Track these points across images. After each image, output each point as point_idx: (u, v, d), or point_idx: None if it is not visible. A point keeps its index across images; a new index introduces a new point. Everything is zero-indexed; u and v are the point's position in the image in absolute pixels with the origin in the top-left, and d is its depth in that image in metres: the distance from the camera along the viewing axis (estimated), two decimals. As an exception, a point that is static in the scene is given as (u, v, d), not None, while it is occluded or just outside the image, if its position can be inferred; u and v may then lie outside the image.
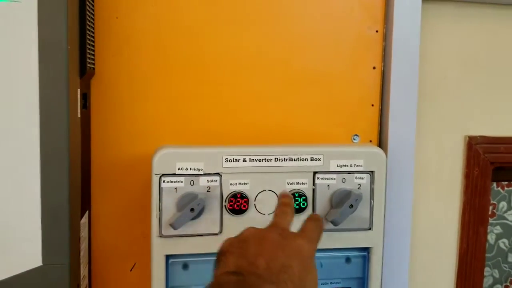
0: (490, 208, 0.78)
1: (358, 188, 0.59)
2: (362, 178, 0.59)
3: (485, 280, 0.80)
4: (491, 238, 0.79)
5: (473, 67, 0.71)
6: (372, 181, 0.59)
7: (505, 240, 0.80)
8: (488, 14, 0.70)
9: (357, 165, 0.59)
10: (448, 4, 0.69)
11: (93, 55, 0.59)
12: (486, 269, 0.79)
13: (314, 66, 0.65)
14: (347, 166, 0.59)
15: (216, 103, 0.64)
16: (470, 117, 0.72)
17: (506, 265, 0.80)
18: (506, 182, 0.79)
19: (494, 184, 0.78)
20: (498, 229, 0.79)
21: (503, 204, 0.79)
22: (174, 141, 0.62)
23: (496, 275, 0.80)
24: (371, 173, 0.59)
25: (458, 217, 0.73)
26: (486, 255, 0.79)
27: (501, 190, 0.79)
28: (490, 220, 0.78)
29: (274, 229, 0.44)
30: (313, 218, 0.47)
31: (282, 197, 0.50)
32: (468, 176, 0.72)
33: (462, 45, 0.70)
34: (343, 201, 0.57)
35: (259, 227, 0.58)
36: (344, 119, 0.66)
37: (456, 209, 0.73)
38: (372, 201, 0.59)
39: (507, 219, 0.79)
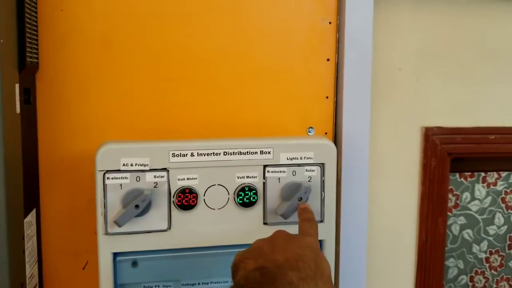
0: (454, 199, 0.78)
1: (309, 181, 0.58)
2: (313, 171, 0.58)
3: (450, 271, 0.80)
4: (455, 229, 0.79)
5: (428, 57, 0.71)
6: (322, 173, 0.59)
7: (469, 231, 0.80)
8: (443, 4, 0.70)
9: (307, 158, 0.58)
10: (402, -6, 0.69)
11: (36, 48, 0.58)
12: (451, 260, 0.80)
13: (268, 59, 0.65)
14: (297, 158, 0.58)
15: (163, 98, 0.62)
16: (426, 108, 0.71)
17: (470, 256, 0.81)
18: (469, 173, 0.79)
19: (457, 175, 0.78)
20: (462, 220, 0.79)
21: (466, 195, 0.79)
22: (122, 137, 0.61)
23: (461, 265, 0.81)
24: (322, 165, 0.59)
25: (416, 208, 0.73)
26: (451, 246, 0.79)
27: (464, 181, 0.79)
28: (454, 211, 0.79)
29: (281, 233, 0.48)
30: (306, 219, 0.52)
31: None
32: (426, 167, 0.72)
33: (417, 36, 0.70)
34: (293, 194, 0.57)
35: (212, 223, 0.58)
36: (298, 112, 0.66)
37: (414, 200, 0.73)
38: (323, 193, 0.59)
39: (470, 210, 0.80)
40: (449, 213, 0.78)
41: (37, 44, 0.58)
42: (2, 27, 0.47)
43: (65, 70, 0.60)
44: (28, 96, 0.57)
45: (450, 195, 0.77)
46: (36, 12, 0.58)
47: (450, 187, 0.77)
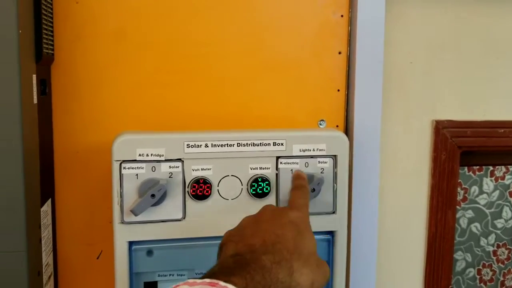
0: (462, 192, 0.79)
1: (321, 172, 0.59)
2: (325, 162, 0.59)
3: (457, 264, 0.81)
4: (463, 222, 0.80)
5: (439, 51, 0.71)
6: (335, 165, 0.59)
7: (477, 224, 0.81)
8: (455, -2, 0.71)
9: (320, 149, 0.59)
10: (414, -12, 0.69)
11: (52, 40, 0.58)
12: (459, 253, 0.80)
13: (280, 52, 0.65)
14: (310, 150, 0.59)
15: (180, 90, 0.63)
16: (437, 102, 0.72)
17: (478, 249, 0.81)
18: (477, 167, 0.79)
19: (466, 169, 0.78)
20: (470, 213, 0.80)
21: (474, 189, 0.79)
22: (138, 128, 0.62)
23: (469, 259, 0.81)
24: (334, 157, 0.60)
25: (426, 201, 0.73)
26: (459, 239, 0.80)
27: (473, 175, 0.79)
28: (462, 205, 0.79)
29: (267, 209, 0.48)
30: (297, 187, 0.53)
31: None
32: (436, 160, 0.72)
33: (428, 30, 0.70)
34: (306, 185, 0.57)
35: (225, 213, 0.58)
36: (310, 105, 0.66)
37: (424, 193, 0.73)
38: (335, 185, 0.60)
39: (478, 203, 0.80)
40: (457, 207, 0.78)
41: (52, 36, 0.59)
42: (20, 18, 0.47)
43: (80, 62, 0.61)
44: (44, 87, 0.57)
45: (458, 189, 0.78)
46: (51, 4, 0.58)
47: (458, 181, 0.77)
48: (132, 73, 0.62)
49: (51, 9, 0.58)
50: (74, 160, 0.62)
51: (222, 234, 0.58)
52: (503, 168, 0.80)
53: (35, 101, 0.53)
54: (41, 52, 0.54)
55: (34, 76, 0.52)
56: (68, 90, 0.61)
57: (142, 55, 0.62)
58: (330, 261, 0.61)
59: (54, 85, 0.60)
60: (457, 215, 0.79)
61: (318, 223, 0.60)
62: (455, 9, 0.71)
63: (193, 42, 0.63)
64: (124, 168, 0.55)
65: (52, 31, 0.58)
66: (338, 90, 0.67)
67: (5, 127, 0.47)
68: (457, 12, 0.71)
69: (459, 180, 0.77)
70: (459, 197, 0.78)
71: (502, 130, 0.74)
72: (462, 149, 0.73)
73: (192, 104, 0.63)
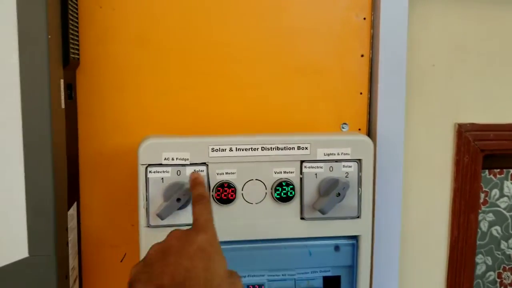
0: (483, 195, 0.78)
1: (346, 177, 0.59)
2: (350, 167, 0.59)
3: (478, 267, 0.80)
4: (483, 225, 0.79)
5: (462, 54, 0.70)
6: (359, 169, 0.59)
7: (498, 228, 0.80)
8: (477, 0, 0.70)
9: (344, 154, 0.58)
10: (437, -10, 0.69)
11: (77, 45, 0.59)
12: (479, 256, 0.80)
13: (302, 55, 0.65)
14: (334, 154, 0.58)
15: (203, 94, 0.63)
16: (460, 105, 0.71)
17: (498, 252, 0.81)
18: (498, 170, 0.78)
19: (487, 172, 0.78)
20: (490, 217, 0.79)
21: (495, 192, 0.79)
22: (162, 132, 0.62)
23: (489, 262, 0.81)
24: (359, 161, 0.59)
25: (448, 204, 0.73)
26: (479, 242, 0.79)
27: (494, 178, 0.78)
28: (483, 208, 0.78)
29: (174, 236, 0.45)
30: (197, 199, 0.48)
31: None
32: (459, 163, 0.71)
33: (451, 32, 0.70)
34: (331, 189, 0.57)
35: (249, 217, 0.57)
36: (332, 108, 0.66)
37: (446, 196, 0.73)
38: (360, 189, 0.59)
39: (499, 207, 0.79)
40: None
41: (78, 41, 0.59)
42: (49, 23, 0.48)
43: (104, 66, 0.61)
44: (70, 92, 0.58)
45: (479, 192, 0.77)
46: (77, 9, 0.59)
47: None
48: (156, 77, 0.62)
49: (77, 13, 0.59)
50: (98, 163, 0.62)
51: (246, 238, 0.58)
52: (524, 171, 0.79)
53: (63, 105, 0.53)
54: (68, 56, 0.54)
55: (62, 81, 0.53)
56: (92, 94, 0.61)
57: (165, 59, 0.62)
58: (354, 266, 0.61)
59: (79, 89, 0.61)
60: (478, 219, 0.78)
61: (342, 228, 0.60)
62: (478, 11, 0.70)
63: (215, 46, 0.63)
64: (150, 172, 0.55)
65: (77, 36, 0.59)
66: (361, 93, 0.66)
67: (35, 133, 0.47)
68: (480, 14, 0.70)
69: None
70: (480, 200, 0.78)
71: (525, 133, 0.73)
72: (485, 153, 0.73)
73: (216, 108, 0.64)
